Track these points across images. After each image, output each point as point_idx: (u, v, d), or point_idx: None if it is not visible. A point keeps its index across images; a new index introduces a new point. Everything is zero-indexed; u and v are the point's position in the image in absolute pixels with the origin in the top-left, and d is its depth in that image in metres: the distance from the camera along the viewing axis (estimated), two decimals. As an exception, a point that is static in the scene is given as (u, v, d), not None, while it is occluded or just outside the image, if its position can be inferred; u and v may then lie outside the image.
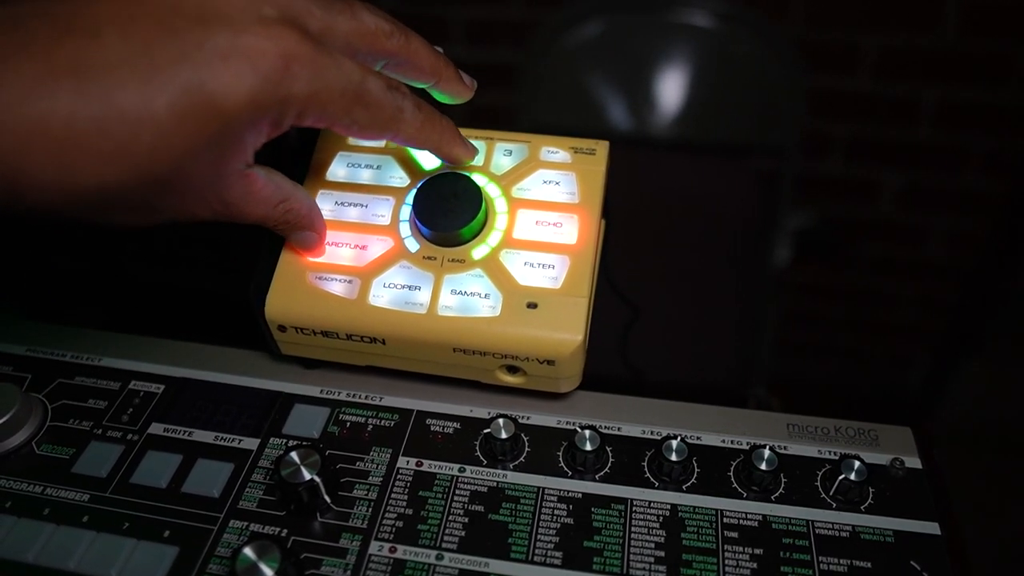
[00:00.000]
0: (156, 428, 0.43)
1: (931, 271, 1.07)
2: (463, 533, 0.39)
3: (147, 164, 0.30)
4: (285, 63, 0.31)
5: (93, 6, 0.29)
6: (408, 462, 0.42)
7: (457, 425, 0.43)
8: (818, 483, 0.41)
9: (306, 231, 0.41)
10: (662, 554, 0.38)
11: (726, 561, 0.38)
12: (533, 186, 0.44)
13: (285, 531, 0.39)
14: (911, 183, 1.04)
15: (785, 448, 0.42)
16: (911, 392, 1.12)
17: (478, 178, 0.43)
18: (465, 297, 0.41)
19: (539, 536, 0.39)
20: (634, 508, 0.40)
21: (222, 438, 0.43)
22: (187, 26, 0.30)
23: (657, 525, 0.39)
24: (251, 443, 0.43)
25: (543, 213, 0.43)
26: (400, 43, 0.37)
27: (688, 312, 0.85)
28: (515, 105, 1.04)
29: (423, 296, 0.41)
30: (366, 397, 0.45)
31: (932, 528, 0.39)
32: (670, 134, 1.02)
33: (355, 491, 0.40)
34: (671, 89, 1.02)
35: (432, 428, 0.43)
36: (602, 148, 0.45)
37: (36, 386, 0.45)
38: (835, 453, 0.42)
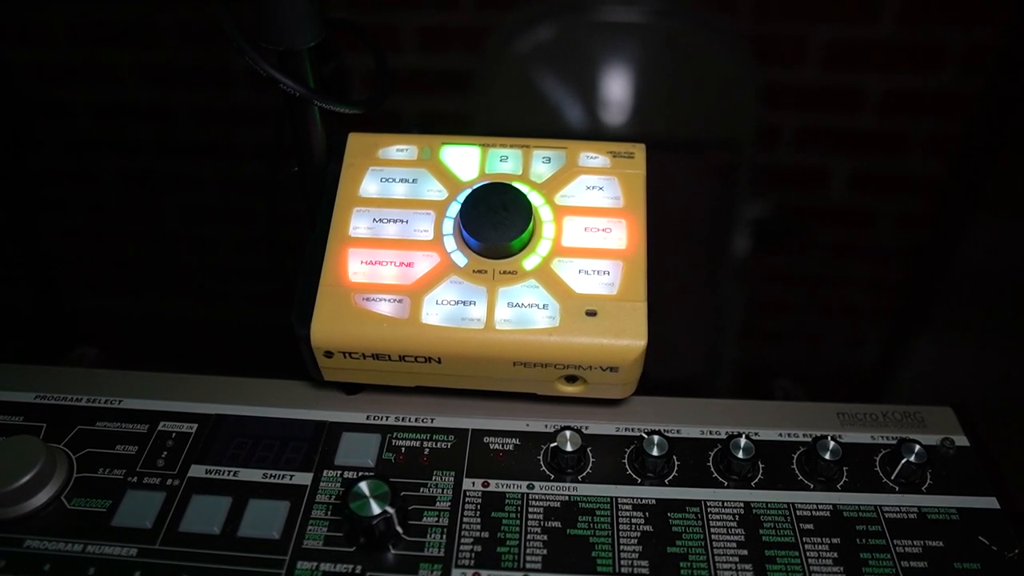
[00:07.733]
0: (197, 470, 0.41)
1: (881, 253, 1.12)
2: (545, 551, 0.38)
3: None
4: None
5: None
6: (474, 483, 0.40)
7: (516, 441, 0.42)
8: (878, 468, 0.42)
9: None
10: (745, 552, 0.38)
11: (807, 553, 0.38)
12: (576, 192, 0.43)
13: (359, 567, 0.37)
14: (859, 169, 1.08)
15: (840, 437, 0.43)
16: (868, 370, 1.16)
17: (519, 187, 0.42)
18: (522, 309, 0.40)
19: (622, 546, 0.38)
20: (709, 509, 0.40)
21: (271, 475, 0.41)
22: None
23: (735, 524, 0.39)
24: (304, 478, 0.40)
25: (590, 219, 0.43)
26: None
27: (657, 306, 0.86)
28: (471, 110, 1.03)
29: (478, 311, 0.40)
30: (416, 420, 0.43)
31: (991, 503, 0.41)
32: (627, 132, 1.03)
33: (425, 518, 0.39)
34: (626, 88, 1.03)
35: (491, 446, 0.42)
36: (639, 151, 0.45)
37: (54, 435, 0.42)
38: (889, 438, 0.43)
